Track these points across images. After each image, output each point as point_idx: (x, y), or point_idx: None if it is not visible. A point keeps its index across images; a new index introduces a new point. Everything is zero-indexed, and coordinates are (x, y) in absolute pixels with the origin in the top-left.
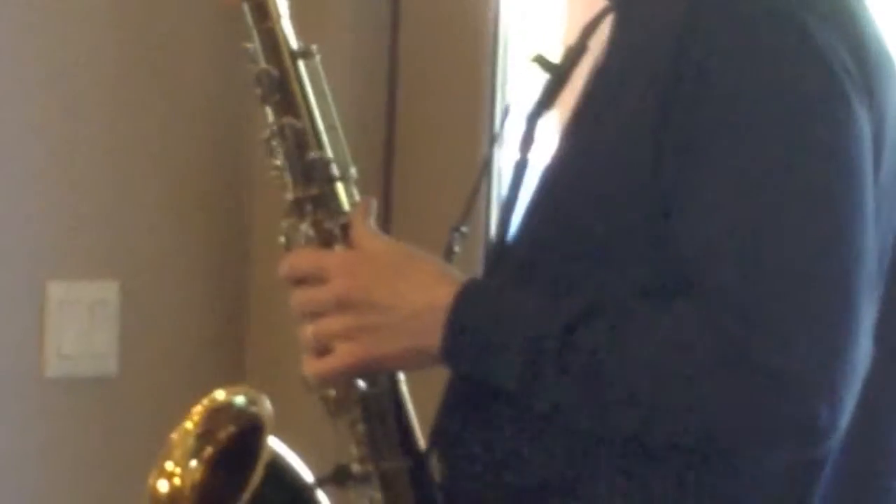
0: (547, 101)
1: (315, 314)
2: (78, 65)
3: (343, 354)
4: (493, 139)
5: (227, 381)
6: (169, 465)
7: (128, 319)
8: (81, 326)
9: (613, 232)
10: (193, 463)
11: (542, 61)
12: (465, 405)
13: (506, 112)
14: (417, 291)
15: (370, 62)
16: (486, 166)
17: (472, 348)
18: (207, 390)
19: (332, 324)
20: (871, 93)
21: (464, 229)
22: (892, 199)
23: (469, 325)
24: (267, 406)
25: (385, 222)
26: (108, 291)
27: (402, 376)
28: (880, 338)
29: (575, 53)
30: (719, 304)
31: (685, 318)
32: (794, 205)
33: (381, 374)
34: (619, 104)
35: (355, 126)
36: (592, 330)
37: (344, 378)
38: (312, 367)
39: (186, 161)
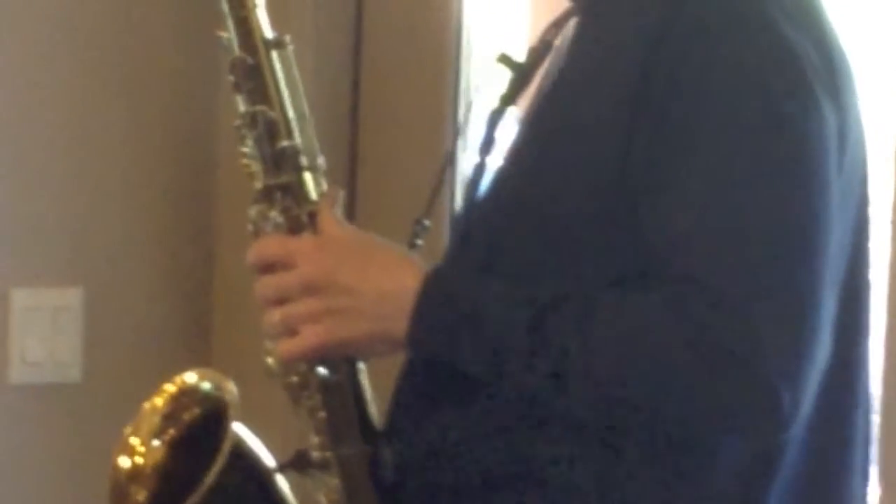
0: (510, 98)
1: (282, 299)
2: (37, 67)
3: (308, 336)
4: (456, 132)
5: None
6: (134, 441)
7: (92, 326)
8: (45, 333)
9: (575, 221)
10: (156, 443)
11: (506, 60)
12: (416, 399)
13: (468, 107)
14: (384, 276)
15: (335, 56)
16: (448, 159)
17: (439, 334)
18: None
19: (299, 307)
20: (835, 90)
21: (426, 222)
22: (850, 194)
23: (437, 311)
24: (233, 392)
25: (350, 214)
26: (71, 298)
27: (362, 366)
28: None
29: (539, 53)
30: (689, 293)
31: (652, 305)
32: (764, 200)
33: (342, 361)
34: (586, 103)
35: (321, 118)
36: (561, 317)
37: (308, 361)
38: (279, 350)
39: (148, 166)
